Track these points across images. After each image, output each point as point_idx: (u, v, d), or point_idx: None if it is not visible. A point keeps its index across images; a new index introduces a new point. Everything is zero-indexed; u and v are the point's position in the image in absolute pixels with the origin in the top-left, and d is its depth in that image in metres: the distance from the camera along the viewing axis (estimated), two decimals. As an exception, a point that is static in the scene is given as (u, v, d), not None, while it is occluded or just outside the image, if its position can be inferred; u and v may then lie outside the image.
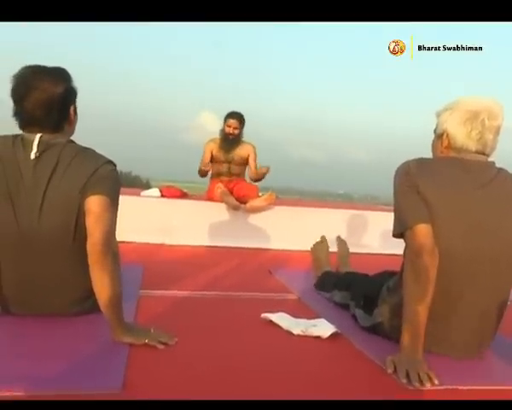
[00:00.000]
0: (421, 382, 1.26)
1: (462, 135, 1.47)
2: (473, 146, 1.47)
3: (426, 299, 1.35)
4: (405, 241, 1.46)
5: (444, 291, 1.41)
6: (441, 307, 1.42)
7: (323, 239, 2.57)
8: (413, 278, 1.37)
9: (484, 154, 1.49)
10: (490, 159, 1.52)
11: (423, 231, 1.38)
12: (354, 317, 1.80)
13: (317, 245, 2.56)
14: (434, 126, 1.60)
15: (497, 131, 1.48)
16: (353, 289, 1.92)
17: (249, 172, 4.30)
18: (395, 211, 1.49)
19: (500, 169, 1.50)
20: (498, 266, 1.45)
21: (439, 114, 1.57)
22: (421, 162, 1.50)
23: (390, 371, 1.32)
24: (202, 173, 4.23)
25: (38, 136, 1.48)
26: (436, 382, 1.26)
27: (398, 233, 1.46)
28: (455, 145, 1.50)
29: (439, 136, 1.55)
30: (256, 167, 4.26)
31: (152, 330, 1.47)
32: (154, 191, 4.14)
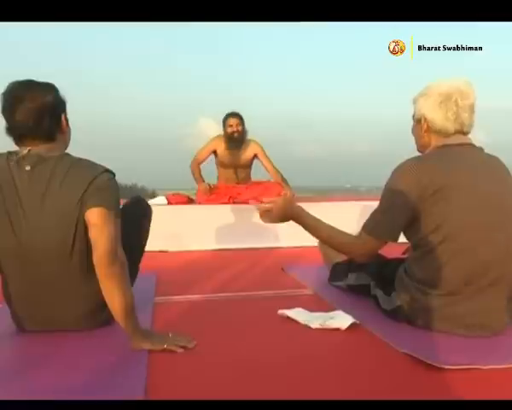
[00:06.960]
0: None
1: (439, 118, 1.56)
2: (451, 127, 1.56)
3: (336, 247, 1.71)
4: (361, 239, 1.61)
5: (463, 267, 1.46)
6: (468, 279, 1.46)
7: None
8: (348, 249, 1.68)
9: (463, 133, 1.57)
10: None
11: (380, 247, 1.60)
12: (375, 298, 1.79)
13: None
14: (412, 113, 1.69)
15: (472, 109, 1.56)
16: (369, 268, 1.91)
17: (270, 174, 4.10)
18: (382, 208, 1.58)
19: (480, 148, 1.59)
20: (506, 235, 1.49)
21: (415, 101, 1.66)
22: (420, 160, 1.57)
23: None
24: (195, 166, 4.16)
25: (28, 149, 1.47)
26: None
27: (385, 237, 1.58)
28: (434, 128, 1.59)
29: (418, 121, 1.64)
30: (273, 165, 4.11)
31: (170, 335, 1.47)
32: (161, 200, 4.14)
